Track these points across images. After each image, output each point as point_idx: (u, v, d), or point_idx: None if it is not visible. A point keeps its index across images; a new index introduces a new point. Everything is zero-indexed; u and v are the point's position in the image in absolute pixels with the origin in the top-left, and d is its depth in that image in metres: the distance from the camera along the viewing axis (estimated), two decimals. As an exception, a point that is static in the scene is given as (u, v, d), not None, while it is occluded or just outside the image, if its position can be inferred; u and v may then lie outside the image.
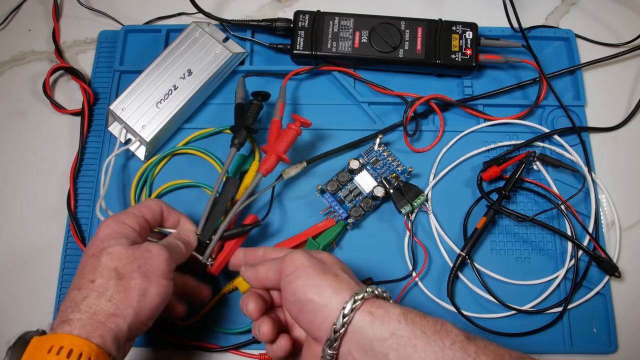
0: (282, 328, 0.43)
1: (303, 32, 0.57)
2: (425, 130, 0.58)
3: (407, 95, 0.57)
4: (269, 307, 0.44)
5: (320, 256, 0.40)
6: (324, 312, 0.36)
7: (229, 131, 0.56)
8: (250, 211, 0.54)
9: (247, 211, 0.54)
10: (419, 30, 0.57)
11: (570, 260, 0.52)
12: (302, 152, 0.56)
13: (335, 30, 0.57)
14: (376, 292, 0.37)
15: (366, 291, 0.36)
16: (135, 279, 0.39)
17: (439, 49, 0.56)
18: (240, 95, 0.56)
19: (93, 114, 0.59)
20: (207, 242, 0.48)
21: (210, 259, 0.48)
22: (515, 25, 0.58)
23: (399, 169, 0.54)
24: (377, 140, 0.54)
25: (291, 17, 0.59)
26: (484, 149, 0.56)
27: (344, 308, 0.35)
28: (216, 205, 0.49)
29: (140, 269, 0.40)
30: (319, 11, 0.58)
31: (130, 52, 0.61)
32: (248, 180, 0.53)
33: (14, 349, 0.36)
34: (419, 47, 0.57)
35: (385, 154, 0.55)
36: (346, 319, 0.35)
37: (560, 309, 0.51)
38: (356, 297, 0.35)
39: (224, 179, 0.51)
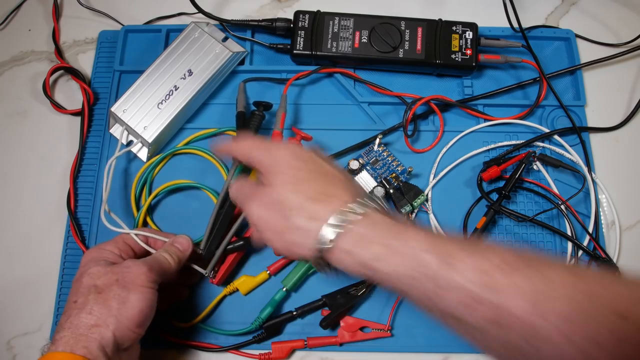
0: None
1: (303, 32, 0.57)
2: (425, 130, 0.58)
3: (406, 96, 0.57)
4: None
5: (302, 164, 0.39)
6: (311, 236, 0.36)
7: (231, 132, 0.56)
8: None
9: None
10: (419, 30, 0.57)
11: (570, 260, 0.52)
12: (302, 152, 0.56)
13: (335, 30, 0.57)
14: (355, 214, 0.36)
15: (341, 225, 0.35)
16: (114, 290, 0.41)
17: (439, 49, 0.56)
18: (242, 102, 0.56)
19: (93, 114, 0.59)
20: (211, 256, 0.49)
21: (212, 272, 0.49)
22: (515, 25, 0.58)
23: (399, 169, 0.54)
24: (377, 141, 0.54)
25: (291, 17, 0.59)
26: (484, 149, 0.56)
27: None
28: (220, 218, 0.50)
29: (118, 281, 0.41)
30: (319, 11, 0.58)
31: (130, 52, 0.61)
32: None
33: None
34: (419, 47, 0.57)
35: (385, 154, 0.55)
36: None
37: (560, 309, 0.51)
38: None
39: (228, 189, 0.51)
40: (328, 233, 0.35)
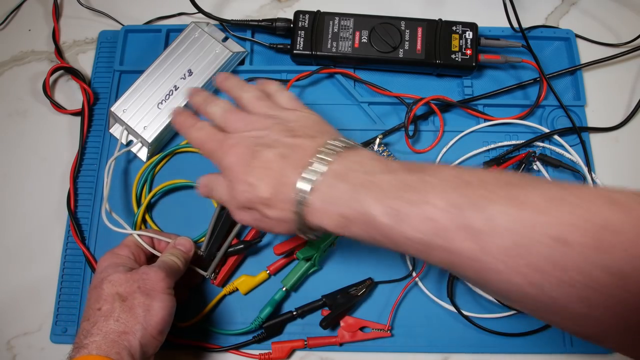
0: None
1: (303, 32, 0.57)
2: (426, 130, 0.58)
3: (405, 97, 0.57)
4: None
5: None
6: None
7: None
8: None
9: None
10: (419, 30, 0.57)
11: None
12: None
13: (335, 30, 0.57)
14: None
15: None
16: (138, 298, 0.41)
17: (439, 49, 0.56)
18: None
19: (93, 114, 0.59)
20: (212, 258, 0.50)
21: (213, 274, 0.50)
22: (515, 25, 0.58)
23: (399, 169, 0.54)
24: (377, 141, 0.54)
25: (291, 17, 0.59)
26: (484, 149, 0.56)
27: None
28: (221, 220, 0.50)
29: (140, 289, 0.42)
30: (319, 11, 0.58)
31: (130, 52, 0.61)
32: None
33: None
34: (419, 47, 0.57)
35: (385, 154, 0.55)
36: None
37: (560, 309, 0.51)
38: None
39: None
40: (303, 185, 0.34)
